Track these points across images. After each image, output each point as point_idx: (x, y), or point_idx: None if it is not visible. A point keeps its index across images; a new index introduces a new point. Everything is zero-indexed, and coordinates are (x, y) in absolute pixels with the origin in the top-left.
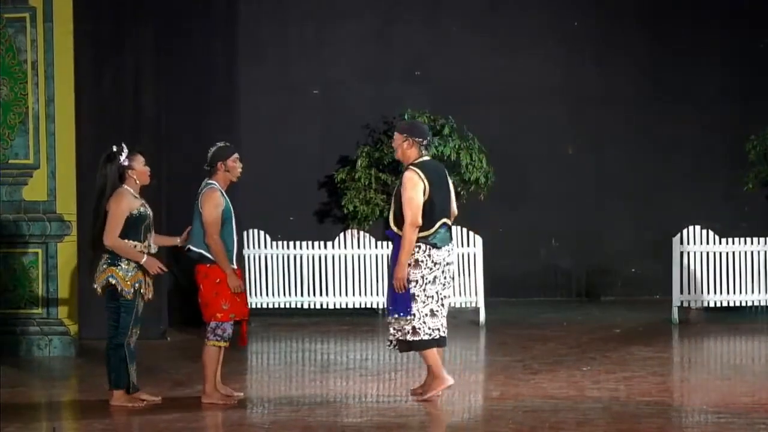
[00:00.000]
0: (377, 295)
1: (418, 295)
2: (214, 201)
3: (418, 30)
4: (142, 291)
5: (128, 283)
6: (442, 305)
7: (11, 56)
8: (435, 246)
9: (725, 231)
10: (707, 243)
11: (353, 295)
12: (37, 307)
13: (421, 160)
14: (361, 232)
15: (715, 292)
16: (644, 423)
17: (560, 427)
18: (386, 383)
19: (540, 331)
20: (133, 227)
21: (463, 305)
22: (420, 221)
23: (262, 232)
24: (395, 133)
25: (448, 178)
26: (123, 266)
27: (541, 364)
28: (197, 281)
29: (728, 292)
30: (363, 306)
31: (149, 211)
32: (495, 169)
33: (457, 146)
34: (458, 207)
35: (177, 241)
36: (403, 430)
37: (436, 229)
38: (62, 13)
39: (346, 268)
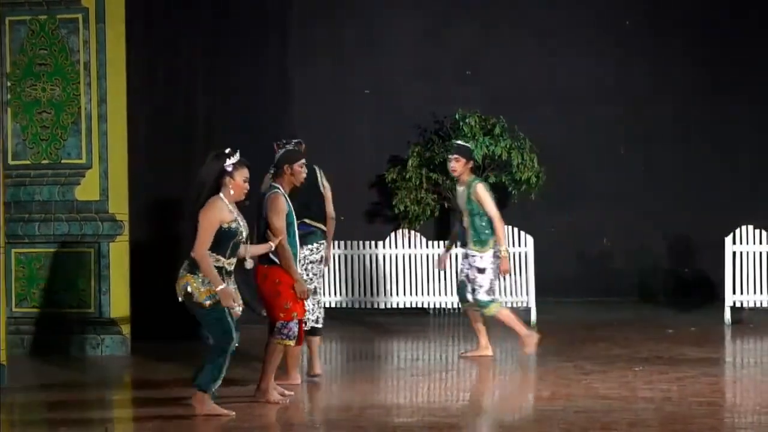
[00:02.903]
0: (428, 294)
1: (317, 287)
2: (278, 207)
3: (469, 30)
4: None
5: (203, 293)
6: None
7: (64, 57)
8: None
9: None
10: (760, 243)
11: (404, 294)
12: (89, 307)
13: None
14: (412, 232)
15: None
16: (696, 423)
17: (612, 428)
18: (437, 383)
19: (591, 332)
20: (220, 241)
21: (515, 305)
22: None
23: None
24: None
25: (320, 179)
26: (199, 275)
27: (593, 365)
28: (256, 282)
29: None
30: (414, 306)
31: (242, 227)
32: (546, 169)
33: (508, 146)
34: (509, 206)
35: (271, 246)
36: (454, 430)
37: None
38: (115, 13)
39: (397, 268)
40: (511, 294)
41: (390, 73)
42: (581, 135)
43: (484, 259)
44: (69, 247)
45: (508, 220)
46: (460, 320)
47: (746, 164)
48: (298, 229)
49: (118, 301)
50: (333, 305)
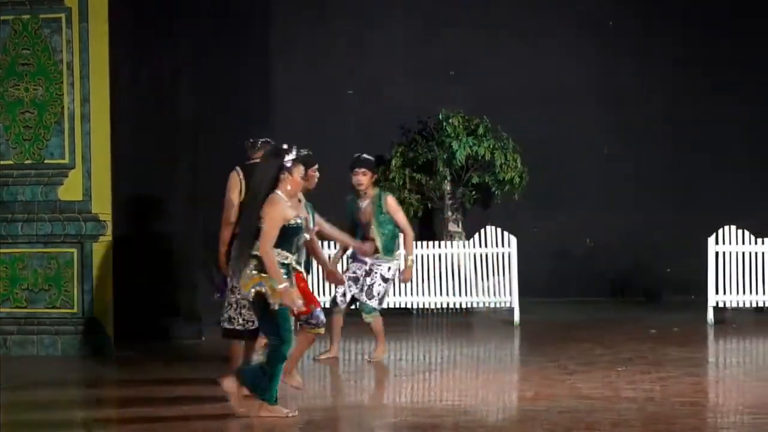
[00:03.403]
0: (412, 294)
1: (235, 286)
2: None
3: (453, 30)
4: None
5: (277, 294)
6: None
7: (47, 56)
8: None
9: (762, 230)
10: (743, 243)
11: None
12: (72, 307)
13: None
14: None
15: (751, 293)
16: (679, 424)
17: (595, 428)
18: (420, 383)
19: (575, 332)
20: (284, 237)
21: (498, 305)
22: (232, 220)
23: None
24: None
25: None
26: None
27: (576, 365)
28: None
29: (765, 293)
30: (397, 306)
31: (305, 222)
32: (529, 169)
33: (491, 146)
34: (492, 207)
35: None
36: (437, 430)
37: None
38: (98, 13)
39: None
40: (495, 294)
41: (373, 73)
42: (565, 135)
43: (391, 269)
44: (52, 247)
45: (491, 220)
46: (444, 320)
47: (730, 164)
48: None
49: (101, 301)
50: None
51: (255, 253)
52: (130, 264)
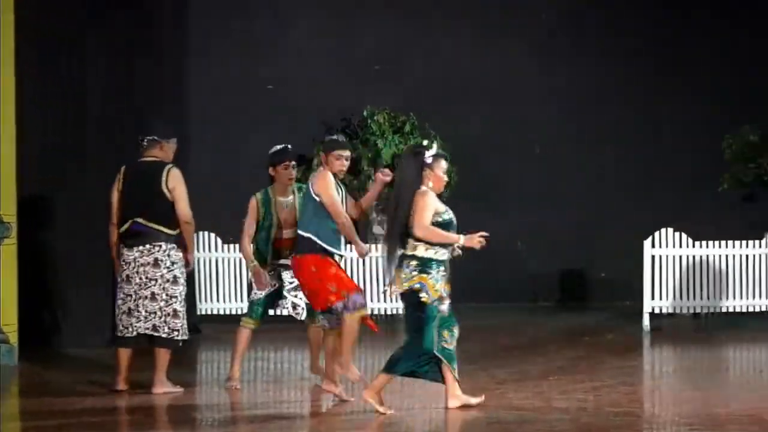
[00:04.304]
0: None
1: (116, 292)
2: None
3: (380, 24)
4: (443, 297)
5: (437, 291)
6: (137, 306)
7: None
8: (125, 245)
9: (699, 233)
10: (680, 246)
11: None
12: None
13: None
14: None
15: (688, 298)
16: None
17: None
18: (345, 392)
19: (505, 338)
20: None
21: None
22: (114, 220)
23: (212, 235)
24: None
25: (165, 180)
26: (434, 274)
27: (507, 374)
28: (296, 275)
29: (702, 298)
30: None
31: (454, 218)
32: (459, 169)
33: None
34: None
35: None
36: None
37: (126, 228)
38: (3, 2)
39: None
40: None
41: (295, 68)
42: (496, 134)
43: None
44: None
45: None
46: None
47: (667, 166)
48: (130, 228)
49: (7, 308)
50: (232, 312)
51: (411, 253)
52: (36, 268)
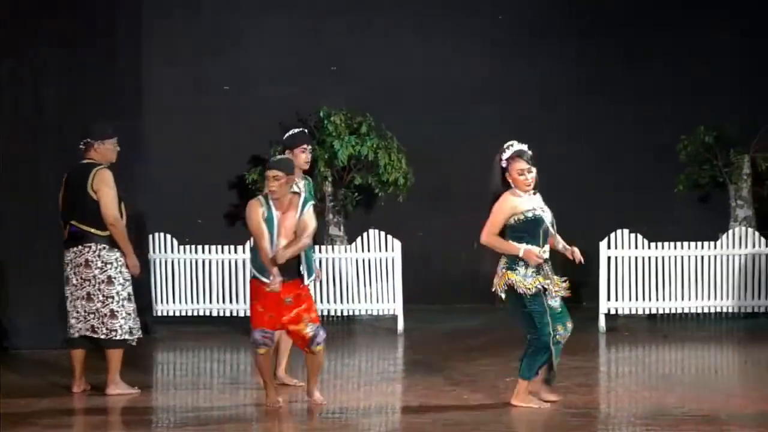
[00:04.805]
0: None
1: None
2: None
3: (336, 25)
4: (548, 290)
5: (528, 287)
6: (74, 307)
7: None
8: (65, 247)
9: (655, 235)
10: (635, 247)
11: None
12: None
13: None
14: None
15: (643, 299)
16: None
17: None
18: (299, 395)
19: (461, 340)
20: (529, 230)
21: (381, 313)
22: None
23: (168, 236)
24: None
25: (90, 182)
26: (521, 270)
27: (462, 375)
28: None
29: (657, 299)
30: None
31: (546, 215)
32: (415, 170)
33: (375, 145)
34: (376, 209)
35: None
36: None
37: (66, 231)
38: None
39: None
40: (378, 301)
41: (252, 68)
42: (452, 135)
43: None
44: None
45: (375, 223)
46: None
47: (622, 167)
48: (69, 230)
49: None
50: (188, 313)
51: (483, 242)
52: None
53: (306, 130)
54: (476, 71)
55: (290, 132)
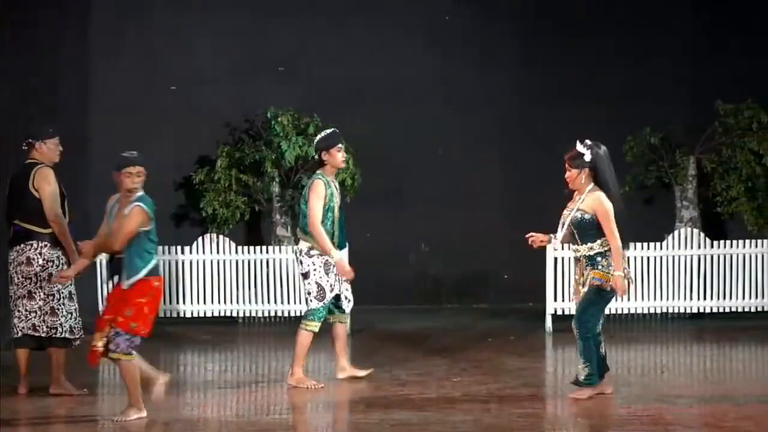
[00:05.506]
0: (238, 302)
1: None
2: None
3: (284, 25)
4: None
5: (607, 277)
6: (16, 305)
7: None
8: (9, 246)
9: None
10: None
11: (212, 302)
12: None
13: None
14: (221, 236)
15: None
16: None
17: None
18: (247, 396)
19: (409, 340)
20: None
21: None
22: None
23: None
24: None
25: (32, 180)
26: (603, 263)
27: (410, 375)
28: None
29: None
30: (223, 314)
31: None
32: (363, 171)
33: None
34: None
35: None
36: None
37: (11, 230)
38: None
39: (204, 274)
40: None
41: (198, 68)
42: (400, 135)
43: (304, 263)
44: None
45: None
46: (271, 329)
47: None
48: (12, 230)
49: None
50: None
51: (601, 250)
52: None
53: (337, 130)
54: (423, 72)
55: (323, 133)
